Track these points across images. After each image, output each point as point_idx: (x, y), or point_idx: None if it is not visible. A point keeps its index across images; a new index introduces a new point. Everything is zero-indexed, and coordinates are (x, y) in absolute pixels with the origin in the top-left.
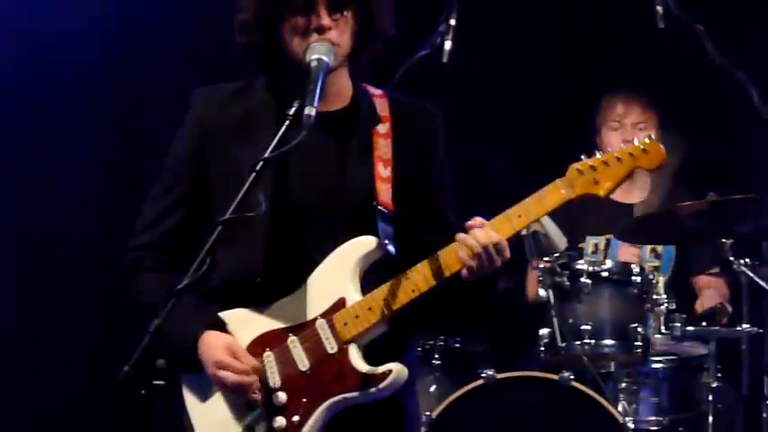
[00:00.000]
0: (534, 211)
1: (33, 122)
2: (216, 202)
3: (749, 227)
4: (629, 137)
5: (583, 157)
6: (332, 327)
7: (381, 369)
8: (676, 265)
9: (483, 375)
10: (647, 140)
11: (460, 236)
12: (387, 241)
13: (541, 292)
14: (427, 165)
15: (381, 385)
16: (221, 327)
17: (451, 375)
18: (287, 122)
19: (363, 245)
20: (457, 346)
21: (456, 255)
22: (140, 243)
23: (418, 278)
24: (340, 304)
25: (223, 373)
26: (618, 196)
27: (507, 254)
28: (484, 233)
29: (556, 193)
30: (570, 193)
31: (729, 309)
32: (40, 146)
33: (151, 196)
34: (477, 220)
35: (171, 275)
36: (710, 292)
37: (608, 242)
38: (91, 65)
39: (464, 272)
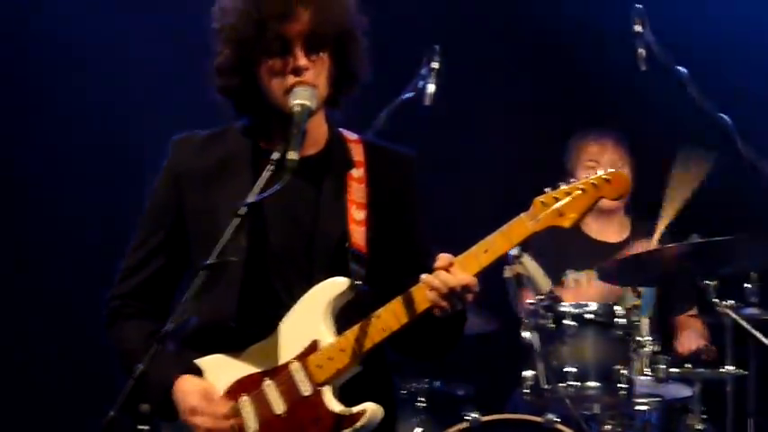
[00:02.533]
0: (501, 245)
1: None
2: (194, 249)
3: (732, 268)
4: None
5: (547, 189)
6: (306, 369)
7: (356, 409)
8: (657, 305)
9: (467, 418)
10: (610, 170)
11: (426, 278)
12: (359, 282)
13: (525, 335)
14: (401, 209)
15: (356, 425)
16: (197, 373)
17: (436, 418)
18: (272, 167)
19: (335, 286)
20: (441, 388)
21: (425, 294)
22: (120, 292)
23: (389, 317)
24: (313, 347)
25: (198, 419)
26: (599, 236)
27: (476, 290)
28: (451, 276)
29: (521, 226)
30: (536, 225)
31: (714, 349)
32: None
33: (131, 245)
34: (444, 259)
35: (150, 322)
36: (691, 332)
37: (589, 279)
38: None
39: (435, 310)
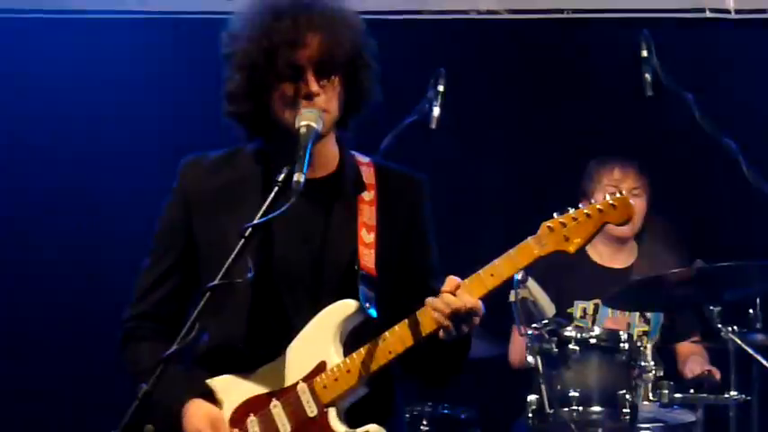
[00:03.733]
0: (506, 269)
1: None
2: (204, 270)
3: (736, 294)
4: None
5: (555, 214)
6: (312, 390)
7: (359, 431)
8: (662, 330)
9: None
10: (617, 195)
11: (431, 300)
12: (368, 304)
13: (530, 359)
14: (411, 232)
15: None
16: (209, 394)
17: None
18: (276, 188)
19: (344, 308)
20: (445, 411)
21: (431, 317)
22: (133, 314)
23: (395, 340)
24: (321, 368)
25: None
26: (605, 261)
27: (481, 313)
28: (456, 299)
29: (527, 250)
30: (541, 250)
31: (718, 376)
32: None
33: (144, 267)
34: (451, 281)
35: (162, 343)
36: (696, 358)
37: (596, 307)
38: None
39: (440, 333)
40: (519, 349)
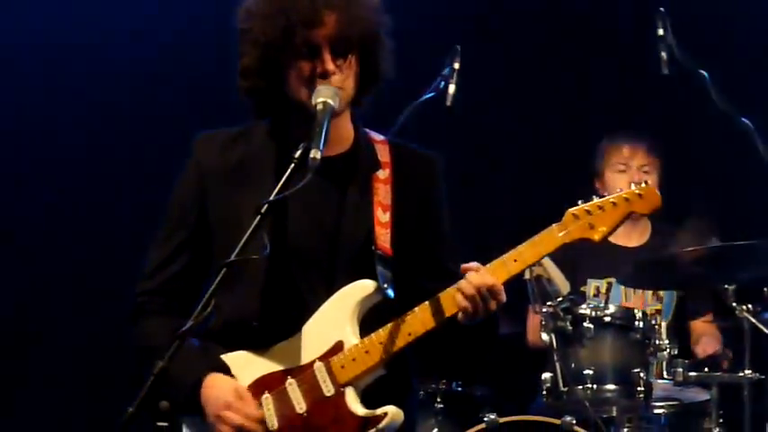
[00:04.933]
0: (530, 255)
1: None
2: (217, 246)
3: (751, 273)
4: (636, 179)
5: (580, 201)
6: (329, 370)
7: (377, 412)
8: (676, 309)
9: (485, 419)
10: (643, 185)
11: (457, 284)
12: (385, 285)
13: (544, 337)
14: (427, 212)
15: (377, 427)
16: (224, 369)
17: (453, 419)
18: (292, 165)
19: (362, 289)
20: (459, 389)
21: (452, 299)
22: (145, 289)
23: (415, 322)
24: (338, 347)
25: (231, 415)
26: (619, 240)
27: (503, 297)
28: (478, 276)
29: (552, 237)
30: (566, 237)
31: (731, 354)
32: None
33: (155, 241)
34: (473, 264)
35: (175, 319)
36: (709, 337)
37: (609, 285)
38: None
39: (460, 315)
40: (536, 329)
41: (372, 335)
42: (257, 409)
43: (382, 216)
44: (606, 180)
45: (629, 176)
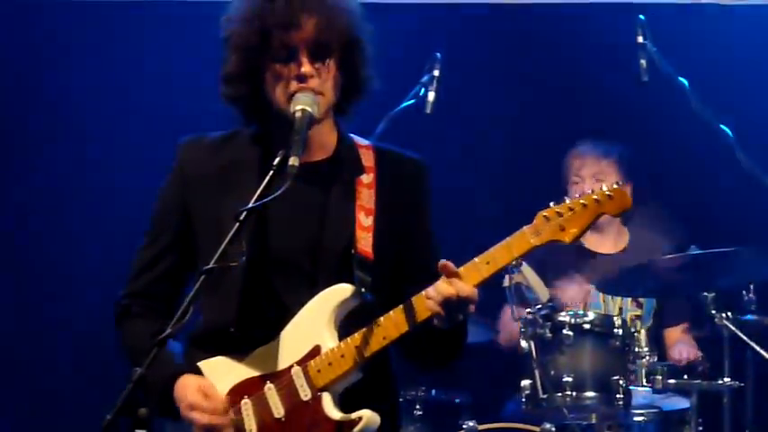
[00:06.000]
0: (502, 258)
1: None
2: (200, 251)
3: (730, 281)
4: (587, 189)
5: (551, 203)
6: (306, 374)
7: (353, 416)
8: (655, 316)
9: (464, 426)
10: (614, 186)
11: (426, 290)
12: (364, 289)
13: (523, 344)
14: (411, 216)
15: (353, 431)
16: (200, 375)
17: (433, 426)
18: (271, 172)
19: (339, 293)
20: (439, 396)
21: (424, 302)
22: (130, 291)
23: (389, 325)
24: (315, 352)
25: (195, 414)
26: (596, 246)
27: (475, 300)
28: (448, 284)
29: (523, 239)
30: (537, 239)
31: (707, 364)
32: None
33: (140, 245)
34: (446, 264)
35: (156, 321)
36: (683, 345)
37: (587, 292)
38: None
39: (434, 320)
40: (508, 328)
41: (348, 339)
42: (222, 402)
43: (364, 220)
44: (569, 194)
45: (582, 188)
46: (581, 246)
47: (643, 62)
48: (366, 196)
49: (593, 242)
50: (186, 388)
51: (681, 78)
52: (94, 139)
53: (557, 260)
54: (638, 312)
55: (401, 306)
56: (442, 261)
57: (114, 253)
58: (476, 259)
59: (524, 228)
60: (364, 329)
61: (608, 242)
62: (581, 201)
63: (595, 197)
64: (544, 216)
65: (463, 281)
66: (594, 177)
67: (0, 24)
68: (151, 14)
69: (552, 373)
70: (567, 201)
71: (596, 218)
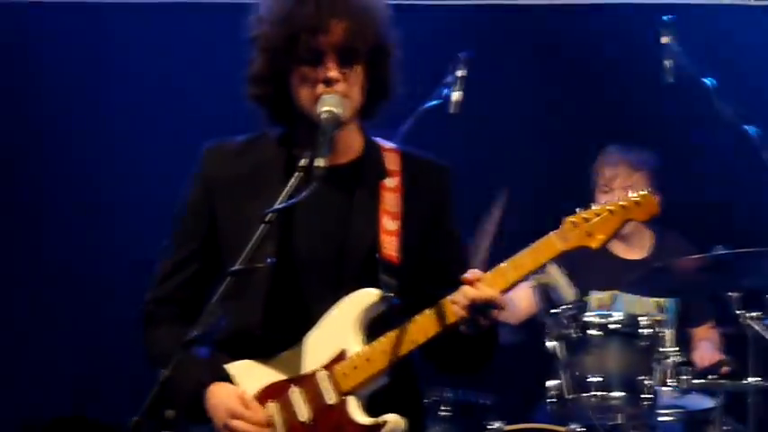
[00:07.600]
0: (529, 263)
1: None
2: (226, 255)
3: (755, 281)
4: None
5: (578, 209)
6: (332, 378)
7: (378, 420)
8: (679, 316)
9: (490, 427)
10: (641, 192)
11: (453, 294)
12: (390, 293)
13: (549, 344)
14: (436, 221)
15: None
16: (228, 378)
17: (459, 427)
18: (297, 174)
19: (366, 297)
20: (465, 397)
21: (451, 307)
22: (155, 297)
23: (416, 330)
24: (341, 356)
25: (236, 422)
26: (622, 253)
27: (502, 305)
28: (474, 289)
29: (550, 245)
30: (564, 245)
31: (733, 363)
32: None
33: (165, 250)
34: (475, 272)
35: (182, 327)
36: (708, 345)
37: (613, 297)
38: None
39: (462, 326)
40: (515, 304)
41: (375, 343)
42: (264, 415)
43: (389, 224)
44: (596, 200)
45: (611, 197)
46: (610, 253)
47: (667, 63)
48: (391, 200)
49: (621, 249)
50: (226, 396)
51: (705, 79)
52: (117, 141)
53: (585, 267)
54: (661, 318)
55: (428, 310)
56: (470, 270)
57: (136, 259)
58: (502, 264)
59: (551, 233)
60: (391, 333)
61: (636, 249)
62: (608, 207)
63: (623, 203)
64: (571, 222)
65: (489, 286)
66: (625, 189)
67: (28, 28)
68: (168, 18)
69: (578, 373)
70: (594, 206)
71: (624, 224)
